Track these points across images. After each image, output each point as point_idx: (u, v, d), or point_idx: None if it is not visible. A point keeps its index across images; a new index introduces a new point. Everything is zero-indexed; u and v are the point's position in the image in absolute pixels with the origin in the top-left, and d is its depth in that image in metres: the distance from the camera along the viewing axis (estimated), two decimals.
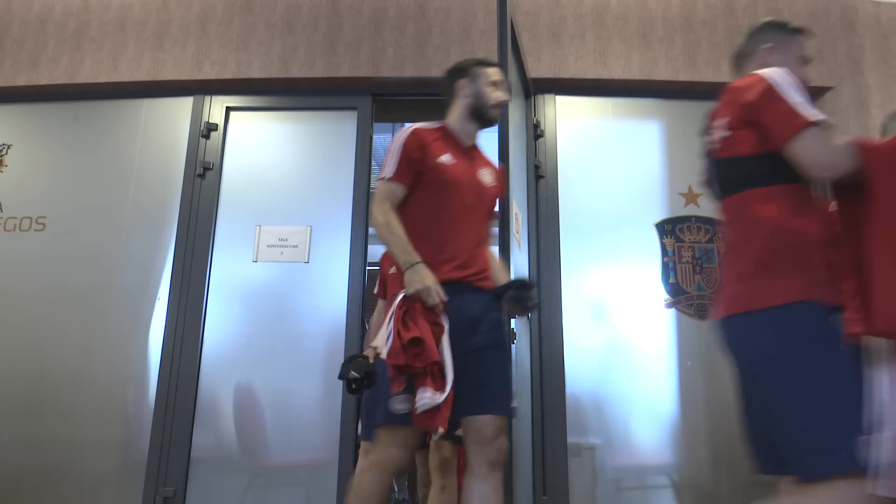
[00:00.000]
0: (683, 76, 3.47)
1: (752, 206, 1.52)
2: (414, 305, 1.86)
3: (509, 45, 2.60)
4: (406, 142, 2.02)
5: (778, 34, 1.73)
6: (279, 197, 3.44)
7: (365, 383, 1.95)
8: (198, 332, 3.25)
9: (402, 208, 2.03)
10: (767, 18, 1.80)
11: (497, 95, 2.14)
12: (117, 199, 3.47)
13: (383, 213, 1.98)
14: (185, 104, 3.57)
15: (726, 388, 3.15)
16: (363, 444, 2.57)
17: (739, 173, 1.56)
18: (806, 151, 1.44)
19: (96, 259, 3.38)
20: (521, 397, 2.84)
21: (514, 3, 3.42)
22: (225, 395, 3.20)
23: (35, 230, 3.44)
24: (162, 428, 3.13)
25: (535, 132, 3.44)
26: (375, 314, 3.06)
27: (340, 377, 1.98)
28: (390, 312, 1.89)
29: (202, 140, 3.50)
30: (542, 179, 3.40)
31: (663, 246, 3.33)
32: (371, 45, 3.52)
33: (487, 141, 2.32)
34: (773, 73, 1.52)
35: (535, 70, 3.44)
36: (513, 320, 2.28)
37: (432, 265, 1.92)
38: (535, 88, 3.47)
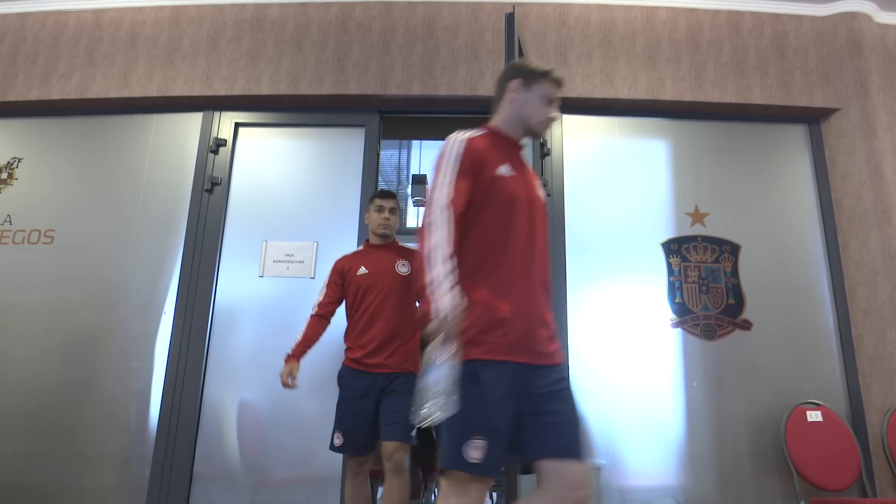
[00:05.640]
0: (689, 96, 3.48)
1: None
2: None
3: None
4: None
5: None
6: (286, 212, 3.45)
7: None
8: (203, 346, 3.25)
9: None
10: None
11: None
12: (126, 213, 3.49)
13: None
14: (195, 120, 3.61)
15: (733, 409, 3.14)
16: None
17: None
18: None
19: (103, 272, 3.40)
20: None
21: (521, 23, 3.45)
22: (228, 411, 3.20)
23: (43, 243, 3.46)
24: (165, 442, 3.13)
25: (542, 151, 3.45)
26: None
27: None
28: None
29: (211, 155, 3.53)
30: (548, 198, 3.41)
31: (669, 265, 3.32)
32: (379, 64, 3.56)
33: None
34: None
35: None
36: None
37: None
38: None
